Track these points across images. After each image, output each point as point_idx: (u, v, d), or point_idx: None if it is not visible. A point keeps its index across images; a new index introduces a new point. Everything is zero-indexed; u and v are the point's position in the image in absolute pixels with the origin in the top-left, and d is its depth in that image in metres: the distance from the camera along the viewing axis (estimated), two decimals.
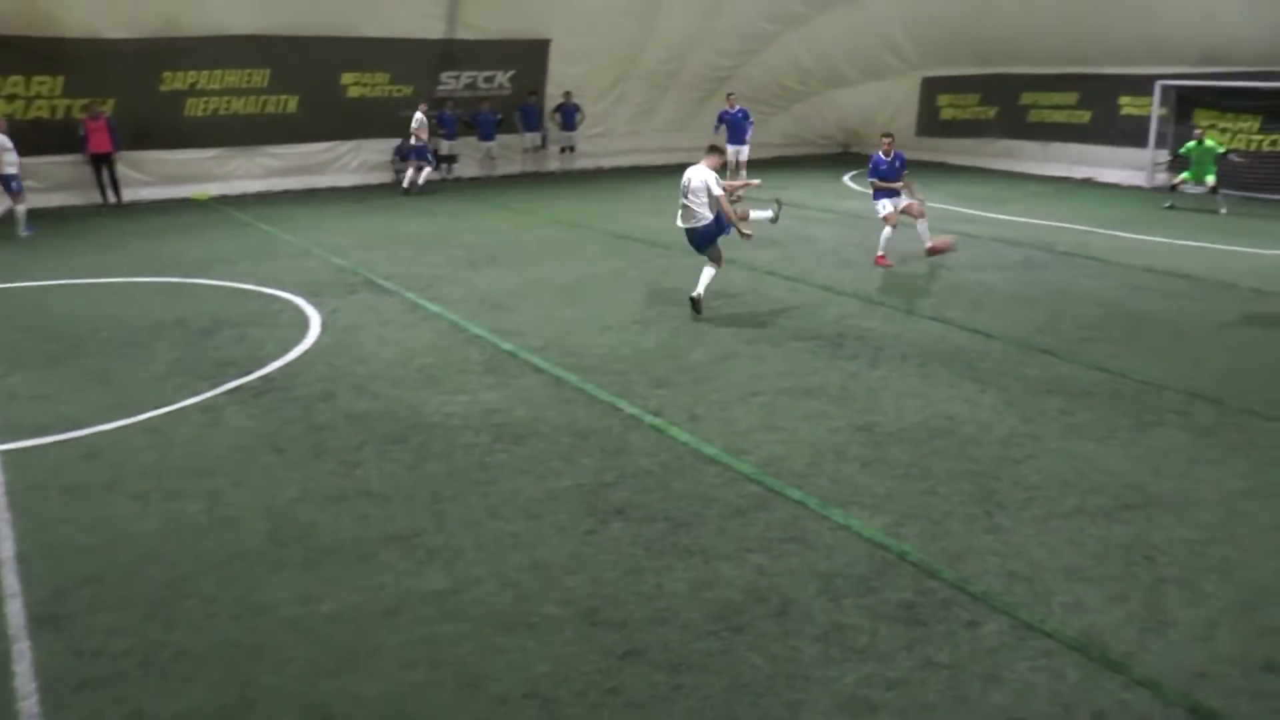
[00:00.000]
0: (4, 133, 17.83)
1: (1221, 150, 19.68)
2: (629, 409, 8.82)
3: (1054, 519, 6.68)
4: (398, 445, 8.08)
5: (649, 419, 8.59)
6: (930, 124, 28.07)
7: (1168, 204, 19.97)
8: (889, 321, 11.62)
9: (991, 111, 26.59)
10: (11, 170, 17.80)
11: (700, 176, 11.60)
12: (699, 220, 11.67)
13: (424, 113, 22.91)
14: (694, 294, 11.75)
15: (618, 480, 7.41)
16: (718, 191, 11.51)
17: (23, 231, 17.79)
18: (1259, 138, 21.65)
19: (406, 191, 22.31)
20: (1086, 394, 9.06)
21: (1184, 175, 19.94)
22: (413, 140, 22.72)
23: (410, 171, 22.60)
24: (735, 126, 23.34)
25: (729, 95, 24.19)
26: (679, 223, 11.99)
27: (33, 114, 20.87)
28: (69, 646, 5.44)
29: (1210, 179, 19.37)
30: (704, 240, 11.81)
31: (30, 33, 20.00)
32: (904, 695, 4.93)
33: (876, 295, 12.83)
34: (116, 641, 5.46)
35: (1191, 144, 19.76)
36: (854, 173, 25.18)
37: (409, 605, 5.77)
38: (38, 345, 11.15)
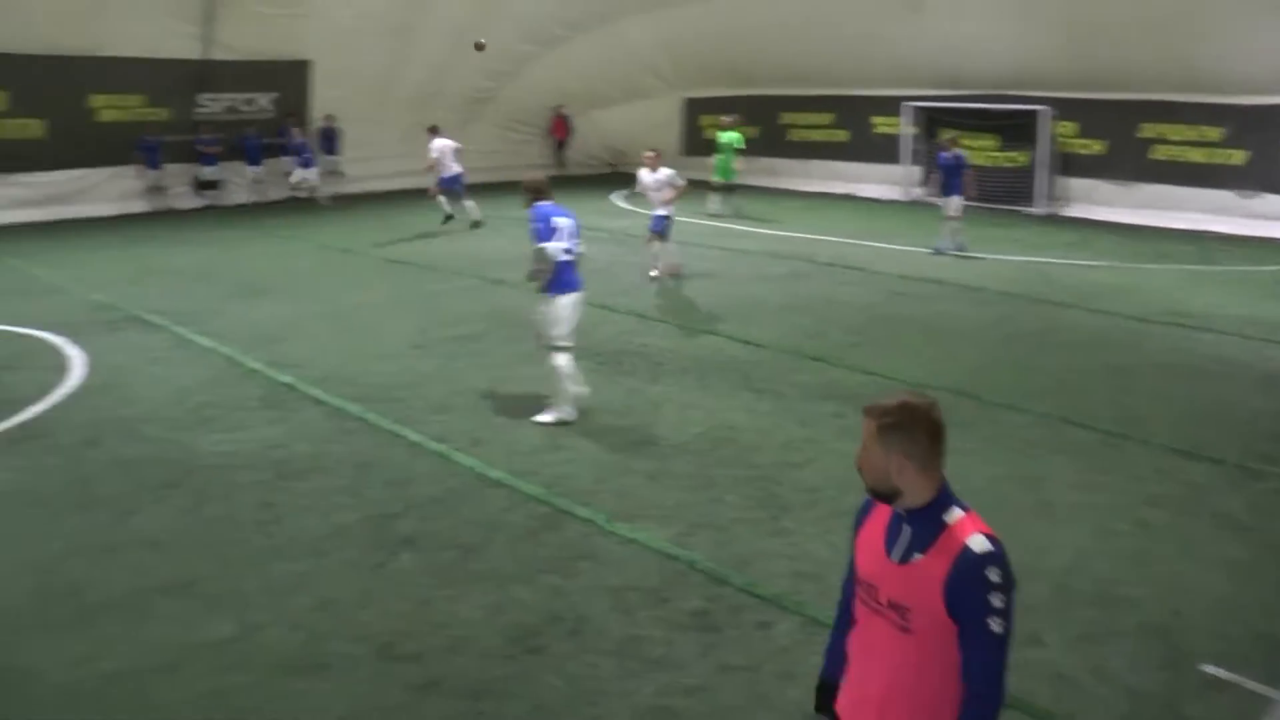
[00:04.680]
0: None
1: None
2: (412, 436, 8.79)
3: (836, 517, 7.06)
4: (173, 490, 7.78)
5: (433, 445, 8.59)
6: (695, 143, 28.92)
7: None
8: (665, 337, 11.96)
9: (753, 131, 27.66)
10: None
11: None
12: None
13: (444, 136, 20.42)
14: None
15: (405, 510, 7.38)
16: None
17: None
18: (998, 154, 23.41)
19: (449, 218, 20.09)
20: (857, 397, 9.57)
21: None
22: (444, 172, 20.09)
23: (470, 204, 20.16)
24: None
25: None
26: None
27: None
28: None
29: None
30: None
31: None
32: (703, 701, 5.13)
33: (652, 312, 13.17)
34: None
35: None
36: (623, 191, 25.64)
37: (193, 658, 5.57)
38: None
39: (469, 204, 20.01)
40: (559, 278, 8.91)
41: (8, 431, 9.10)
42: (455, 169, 20.15)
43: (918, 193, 24.63)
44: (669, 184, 15.15)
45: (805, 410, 9.43)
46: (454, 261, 15.75)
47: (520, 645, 5.65)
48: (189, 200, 23.60)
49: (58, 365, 11.08)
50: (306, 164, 24.15)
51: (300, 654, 5.60)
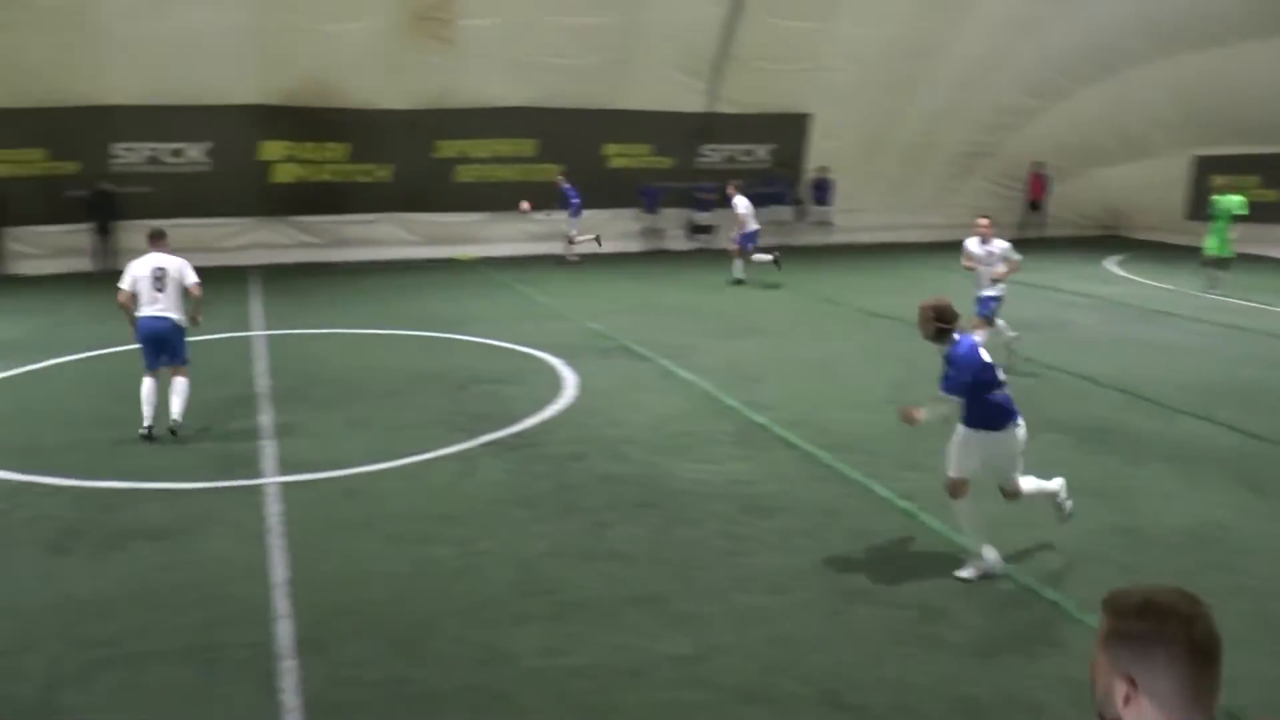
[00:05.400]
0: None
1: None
2: (880, 490, 8.53)
3: None
4: (647, 509, 8.06)
5: (900, 503, 8.27)
6: (1202, 206, 26.31)
7: None
8: (1150, 417, 10.86)
9: (1275, 195, 24.80)
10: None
11: None
12: None
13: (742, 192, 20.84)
14: None
15: (866, 562, 7.14)
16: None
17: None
18: None
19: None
20: None
21: None
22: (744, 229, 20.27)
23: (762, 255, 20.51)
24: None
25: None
26: None
27: (321, 177, 22.78)
28: (328, 671, 5.65)
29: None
30: None
31: (320, 104, 21.86)
32: None
33: (1136, 387, 12.01)
34: (369, 672, 5.61)
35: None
36: (1119, 257, 23.94)
37: (653, 668, 5.69)
38: (311, 389, 11.82)
39: (738, 263, 20.00)
40: (983, 411, 7.03)
41: (505, 438, 9.89)
42: (753, 226, 20.10)
43: None
44: (1003, 259, 12.74)
45: None
46: None
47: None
48: (682, 243, 25.09)
49: (553, 383, 11.96)
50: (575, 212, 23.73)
51: (753, 683, 5.52)
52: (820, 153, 25.64)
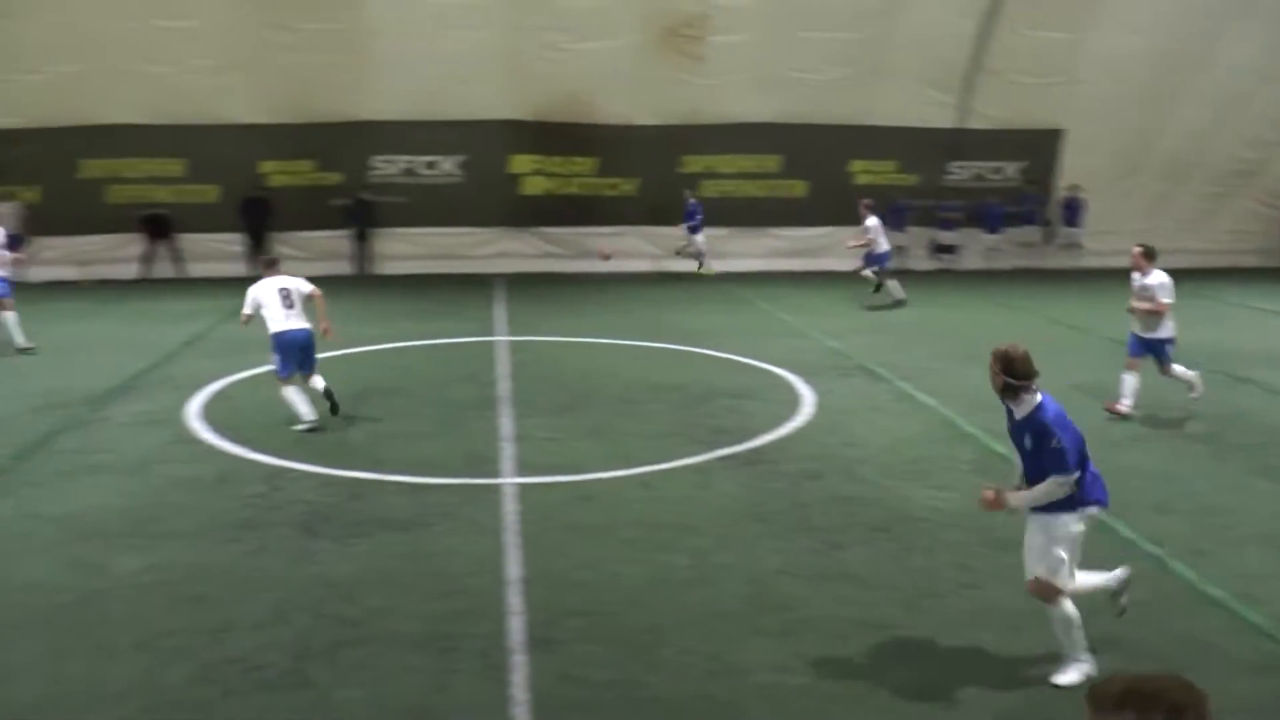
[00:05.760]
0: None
1: None
2: (1124, 532, 8.05)
3: None
4: (881, 533, 7.92)
5: (1148, 546, 7.79)
6: None
7: None
8: None
9: None
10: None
11: None
12: None
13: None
14: None
15: (1109, 608, 6.77)
16: None
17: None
18: None
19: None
20: None
21: None
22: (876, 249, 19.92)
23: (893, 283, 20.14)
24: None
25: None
26: None
27: (569, 190, 23.55)
28: (558, 669, 5.82)
29: None
30: None
31: (571, 120, 22.61)
32: None
33: None
34: (599, 673, 5.75)
35: None
36: None
37: (880, 694, 5.60)
38: (552, 394, 12.19)
39: (892, 284, 19.50)
40: (1084, 485, 5.97)
41: (742, 453, 9.93)
42: (885, 246, 19.42)
43: None
44: (1156, 294, 10.98)
45: None
46: (1193, 351, 14.46)
47: None
48: (924, 262, 24.47)
49: (790, 400, 11.92)
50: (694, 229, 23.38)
51: None
52: (1071, 171, 24.52)
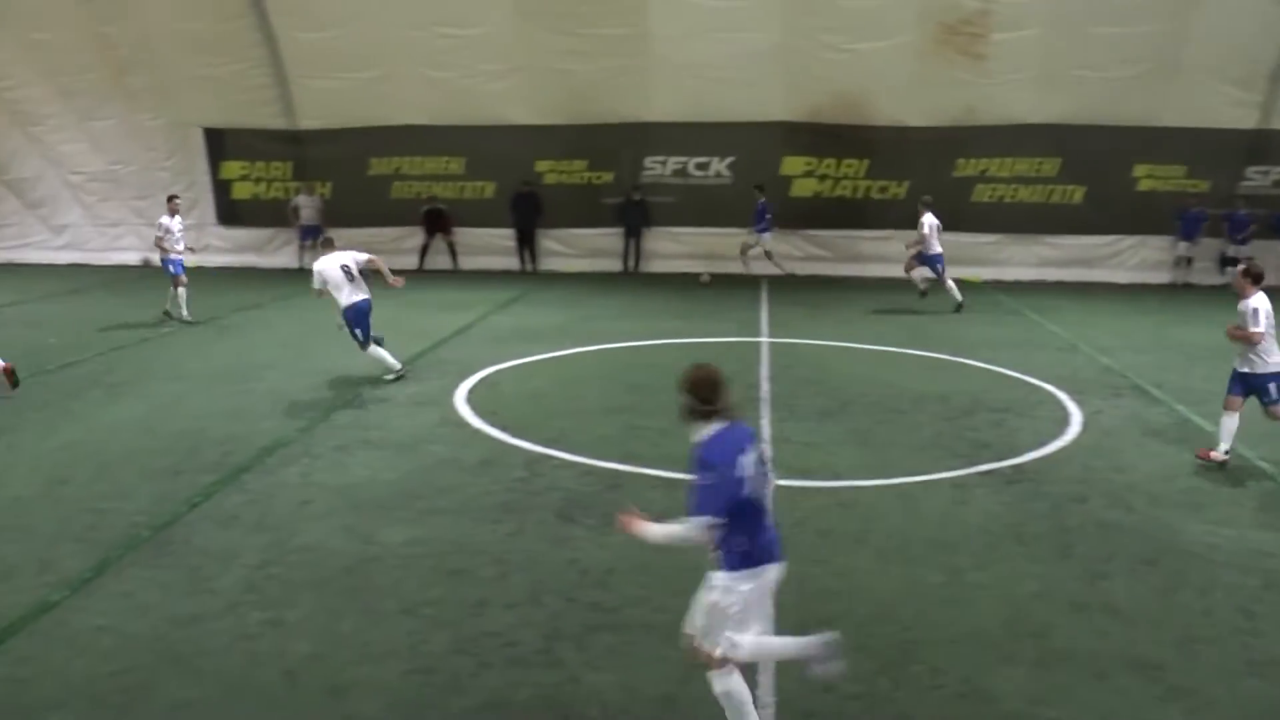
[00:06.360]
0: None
1: None
2: None
3: None
4: (1149, 566, 7.60)
5: None
6: None
7: None
8: None
9: None
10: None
11: None
12: None
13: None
14: None
15: None
16: None
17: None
18: None
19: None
20: None
21: None
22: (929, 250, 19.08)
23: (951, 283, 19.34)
24: None
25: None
26: None
27: (838, 192, 23.50)
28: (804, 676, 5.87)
29: None
30: None
31: (844, 121, 22.55)
32: None
33: None
34: (846, 684, 5.77)
35: None
36: None
37: None
38: (812, 399, 12.25)
39: (950, 283, 19.00)
40: (745, 542, 5.08)
41: (1004, 470, 9.73)
42: (937, 248, 18.86)
43: None
44: (1248, 320, 9.59)
45: None
46: None
47: None
48: (1212, 276, 22.75)
49: (1056, 418, 11.55)
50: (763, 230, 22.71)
51: None
52: None
